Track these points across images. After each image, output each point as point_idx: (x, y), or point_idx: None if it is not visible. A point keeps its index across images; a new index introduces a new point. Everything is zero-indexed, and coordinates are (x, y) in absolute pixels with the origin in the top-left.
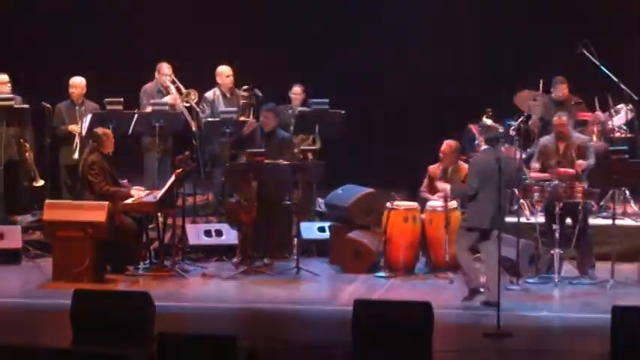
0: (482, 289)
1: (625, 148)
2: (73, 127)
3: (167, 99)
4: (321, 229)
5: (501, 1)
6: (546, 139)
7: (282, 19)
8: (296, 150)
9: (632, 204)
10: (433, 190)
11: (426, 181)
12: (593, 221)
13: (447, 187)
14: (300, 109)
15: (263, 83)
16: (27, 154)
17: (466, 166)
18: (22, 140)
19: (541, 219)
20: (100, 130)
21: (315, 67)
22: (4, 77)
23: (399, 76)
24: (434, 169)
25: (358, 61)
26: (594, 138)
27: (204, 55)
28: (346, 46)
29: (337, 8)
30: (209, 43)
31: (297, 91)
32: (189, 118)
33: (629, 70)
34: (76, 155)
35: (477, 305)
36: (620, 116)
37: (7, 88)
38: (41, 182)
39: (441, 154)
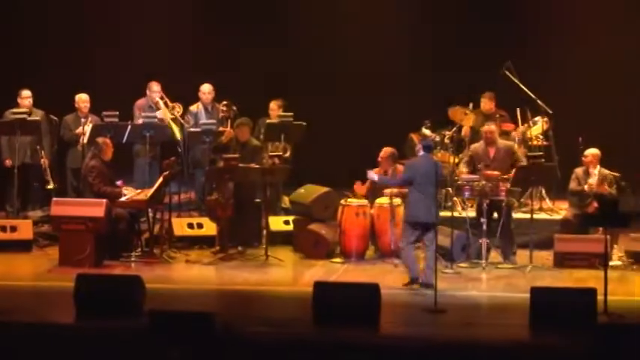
0: (419, 278)
1: (541, 153)
2: (79, 130)
3: (158, 114)
4: (286, 223)
5: (435, 29)
6: (477, 146)
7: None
8: (265, 156)
9: (547, 201)
10: (377, 189)
11: (368, 181)
12: (514, 215)
13: (375, 176)
14: (269, 121)
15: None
16: (42, 159)
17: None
18: (37, 147)
19: (471, 213)
20: (100, 139)
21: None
22: (27, 93)
23: (352, 95)
24: (376, 171)
25: (319, 82)
26: (516, 146)
27: (189, 75)
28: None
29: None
30: (193, 64)
31: (273, 108)
32: (174, 129)
33: (545, 88)
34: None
35: (416, 287)
36: (537, 127)
37: (28, 102)
38: (52, 186)
39: (379, 160)
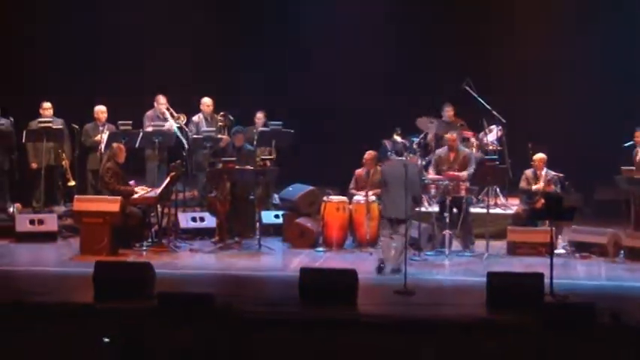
0: (393, 266)
1: (496, 157)
2: (98, 138)
3: (167, 125)
4: (277, 216)
5: (410, 51)
6: (440, 151)
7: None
8: (258, 159)
9: (501, 197)
10: (359, 187)
11: (353, 181)
12: (473, 210)
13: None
14: (261, 129)
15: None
16: (64, 162)
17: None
18: (60, 151)
19: (436, 208)
20: (115, 144)
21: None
22: (48, 104)
23: (334, 107)
24: (359, 172)
25: (306, 96)
26: (474, 150)
27: (191, 89)
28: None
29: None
30: (194, 80)
31: (259, 117)
32: (182, 138)
33: (499, 100)
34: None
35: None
36: (492, 134)
37: (49, 112)
38: (73, 183)
39: (364, 161)
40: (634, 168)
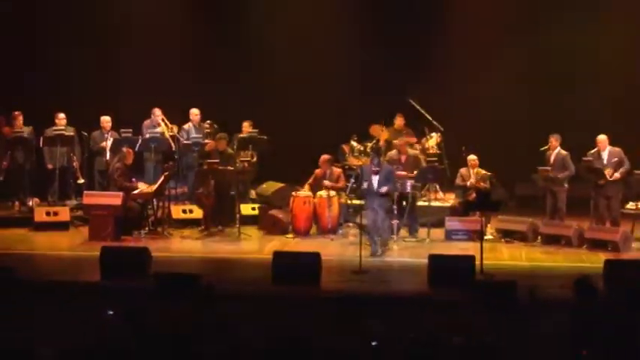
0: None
1: (435, 159)
2: (103, 144)
3: (158, 130)
4: (253, 209)
5: (363, 64)
6: (392, 153)
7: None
8: (238, 161)
9: (440, 193)
10: (317, 184)
11: (312, 178)
12: (418, 203)
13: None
14: (240, 135)
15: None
16: (74, 163)
17: (338, 170)
18: (71, 155)
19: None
20: (125, 149)
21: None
22: (62, 115)
23: (299, 116)
24: (318, 171)
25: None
26: (418, 154)
27: (183, 101)
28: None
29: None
30: (186, 93)
31: (245, 125)
32: (173, 143)
33: (438, 111)
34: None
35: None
36: (433, 140)
37: (63, 122)
38: (82, 181)
39: (320, 163)
40: (549, 168)
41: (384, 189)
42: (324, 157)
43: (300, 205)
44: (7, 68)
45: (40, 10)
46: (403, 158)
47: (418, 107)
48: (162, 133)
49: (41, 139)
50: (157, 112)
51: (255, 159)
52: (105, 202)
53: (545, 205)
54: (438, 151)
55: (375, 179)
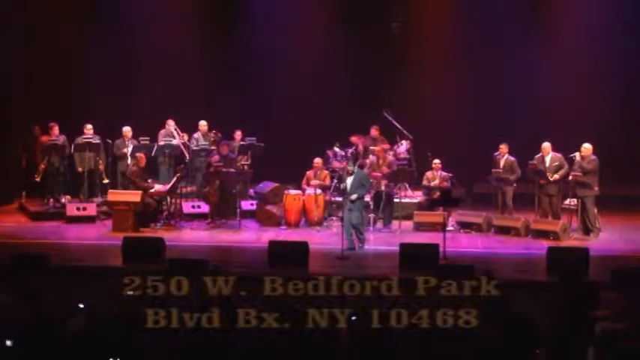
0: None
1: (406, 163)
2: (125, 150)
3: (174, 141)
4: (252, 205)
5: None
6: (371, 158)
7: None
8: (238, 164)
9: (409, 191)
10: (306, 183)
11: (305, 179)
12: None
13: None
14: (241, 143)
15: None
16: (100, 166)
17: (325, 172)
18: (98, 159)
19: (367, 198)
20: (138, 154)
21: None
22: (90, 125)
23: (293, 125)
24: (309, 173)
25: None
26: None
27: (192, 113)
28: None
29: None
30: (195, 107)
31: (238, 134)
32: (184, 149)
33: (408, 121)
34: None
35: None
36: (403, 147)
37: (90, 131)
38: (107, 181)
39: (314, 165)
40: (500, 170)
41: (353, 196)
42: (318, 161)
43: (292, 201)
44: (44, 88)
45: (75, 38)
46: (380, 162)
47: (391, 119)
48: (176, 142)
49: (72, 146)
50: (171, 123)
51: (249, 162)
52: (126, 199)
53: (497, 201)
54: (407, 156)
55: (349, 181)
